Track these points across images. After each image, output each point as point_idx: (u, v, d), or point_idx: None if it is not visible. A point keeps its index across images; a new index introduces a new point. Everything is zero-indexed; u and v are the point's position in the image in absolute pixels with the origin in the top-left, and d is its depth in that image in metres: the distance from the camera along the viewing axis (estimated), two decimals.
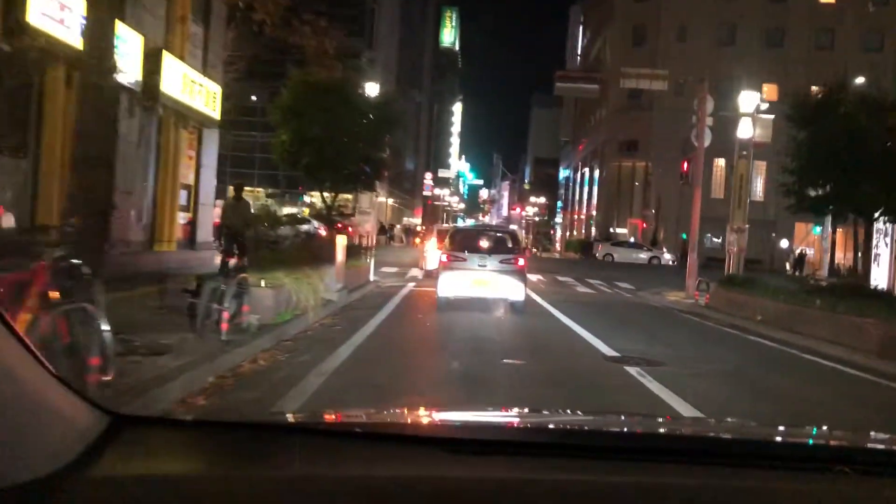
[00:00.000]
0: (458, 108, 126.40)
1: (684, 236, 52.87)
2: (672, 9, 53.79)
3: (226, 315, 7.25)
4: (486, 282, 12.79)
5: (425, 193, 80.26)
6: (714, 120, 20.03)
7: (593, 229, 61.42)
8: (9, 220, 9.67)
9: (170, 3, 15.46)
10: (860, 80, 21.51)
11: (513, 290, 12.80)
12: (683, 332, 12.90)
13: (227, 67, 28.02)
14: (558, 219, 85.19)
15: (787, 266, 41.73)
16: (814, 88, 19.45)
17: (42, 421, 1.13)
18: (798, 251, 40.81)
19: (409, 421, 1.86)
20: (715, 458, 1.44)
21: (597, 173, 64.69)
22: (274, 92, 18.65)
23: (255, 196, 48.49)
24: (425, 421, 1.87)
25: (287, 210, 37.91)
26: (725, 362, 9.66)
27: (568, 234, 75.03)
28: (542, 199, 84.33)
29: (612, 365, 8.38)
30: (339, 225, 16.70)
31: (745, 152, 18.10)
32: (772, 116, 18.08)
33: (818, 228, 51.27)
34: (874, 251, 19.86)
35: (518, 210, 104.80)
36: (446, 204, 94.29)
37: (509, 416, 2.17)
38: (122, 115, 14.08)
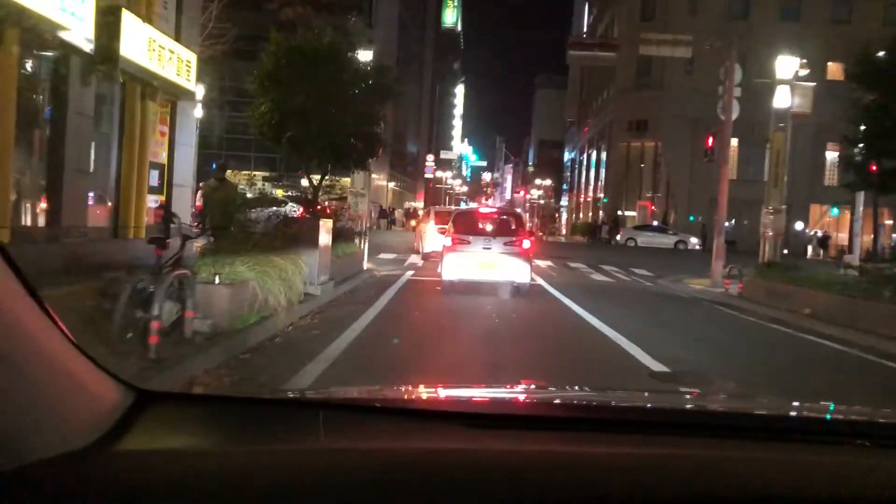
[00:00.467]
0: (460, 90, 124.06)
1: (692, 218, 51.13)
2: None
3: (155, 325, 5.46)
4: (491, 264, 12.63)
5: (427, 176, 78.26)
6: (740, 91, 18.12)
7: (601, 212, 59.48)
8: None
9: None
10: None
11: (518, 272, 12.65)
12: (727, 331, 11.07)
13: (217, 41, 26.19)
14: (563, 201, 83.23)
15: (810, 249, 39.66)
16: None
17: (72, 396, 1.14)
18: (820, 234, 38.66)
19: (426, 397, 1.87)
20: (734, 432, 1.43)
21: (604, 155, 62.69)
22: None
23: (251, 179, 46.67)
24: (442, 396, 1.88)
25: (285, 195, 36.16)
26: (804, 376, 7.77)
27: (574, 216, 73.10)
28: (548, 182, 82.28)
29: (663, 386, 6.55)
30: (320, 207, 14.82)
31: (781, 124, 16.16)
32: (812, 84, 16.13)
33: (836, 210, 49.36)
34: None
35: (522, 193, 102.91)
36: (449, 187, 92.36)
37: (523, 392, 2.13)
38: (73, 82, 12.32)
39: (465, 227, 13.39)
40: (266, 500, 1.11)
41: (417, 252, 23.27)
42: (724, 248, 18.06)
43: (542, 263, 22.01)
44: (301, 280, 9.43)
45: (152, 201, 15.67)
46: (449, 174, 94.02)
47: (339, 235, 13.59)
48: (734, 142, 52.60)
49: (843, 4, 51.41)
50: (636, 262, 24.08)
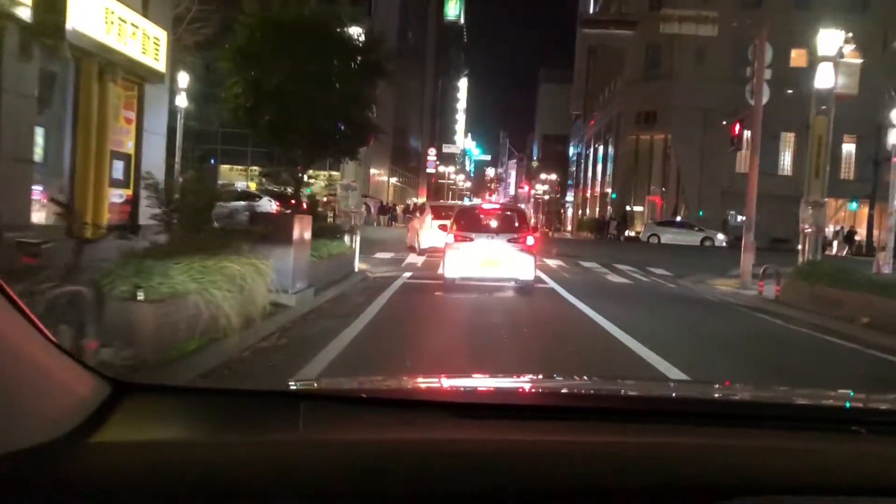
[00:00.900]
0: (463, 85, 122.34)
1: (701, 213, 49.27)
2: None
3: None
4: (494, 262, 12.35)
5: (429, 170, 76.50)
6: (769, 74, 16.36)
7: (609, 207, 57.64)
8: None
9: None
10: None
11: (523, 269, 12.34)
12: (783, 347, 9.28)
13: (203, 24, 24.46)
14: (569, 197, 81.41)
15: (835, 245, 37.69)
16: None
17: (44, 388, 1.12)
18: (846, 229, 36.73)
19: (413, 387, 1.83)
20: (730, 420, 1.43)
21: (611, 148, 60.86)
22: None
23: (248, 174, 45.04)
24: (430, 386, 1.85)
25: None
26: None
27: (580, 212, 71.30)
28: (553, 176, 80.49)
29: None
30: (294, 201, 13.15)
31: (823, 107, 14.36)
32: (858, 61, 14.35)
33: (855, 204, 47.49)
34: None
35: (526, 188, 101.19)
36: (452, 182, 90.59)
37: (514, 382, 2.13)
38: (8, 57, 10.62)
39: (467, 223, 13.03)
40: (244, 492, 1.08)
41: (412, 249, 22.32)
42: (753, 245, 16.36)
43: (553, 263, 20.33)
44: (267, 289, 7.74)
45: (116, 196, 14.00)
46: (452, 169, 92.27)
47: (323, 233, 11.92)
48: (746, 133, 51.35)
49: None
50: (652, 261, 22.34)
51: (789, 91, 26.30)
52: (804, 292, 12.50)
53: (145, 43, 13.33)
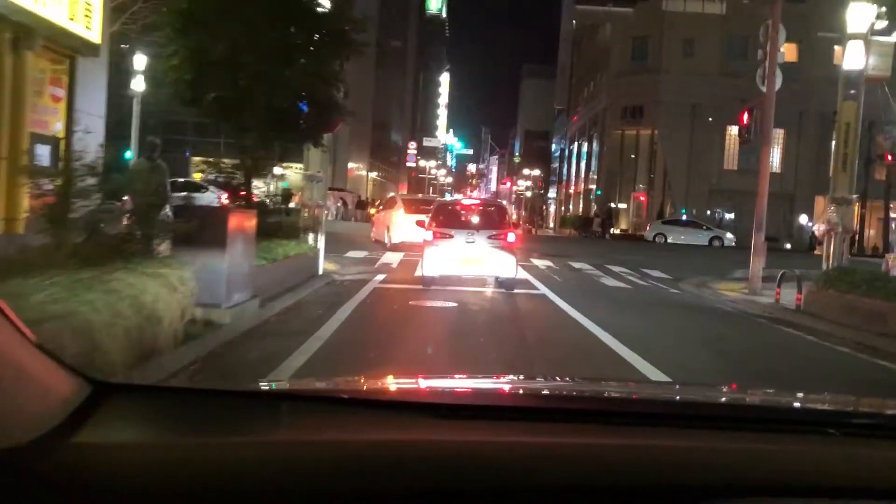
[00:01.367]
0: (445, 79, 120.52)
1: (684, 211, 47.85)
2: None
3: None
4: (474, 259, 12.19)
5: (409, 164, 74.54)
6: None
7: (593, 204, 56.13)
8: None
9: None
10: None
11: (504, 267, 12.18)
12: (832, 376, 7.64)
13: (161, 2, 22.44)
14: (552, 193, 79.89)
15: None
16: None
17: (23, 388, 1.11)
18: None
19: (395, 388, 1.81)
20: (708, 422, 1.43)
21: (596, 144, 59.32)
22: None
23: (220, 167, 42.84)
24: (413, 387, 1.81)
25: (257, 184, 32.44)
26: None
27: (563, 209, 69.79)
28: (537, 172, 78.95)
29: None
30: (243, 192, 11.35)
31: (852, 91, 12.71)
32: (893, 40, 12.70)
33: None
34: None
35: (509, 184, 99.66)
36: (433, 177, 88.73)
37: (493, 382, 2.12)
38: None
39: (447, 219, 12.78)
40: (223, 493, 1.08)
41: (378, 242, 21.78)
42: (764, 246, 14.76)
43: (540, 264, 18.66)
44: (187, 305, 5.96)
45: (42, 185, 12.11)
46: (433, 164, 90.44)
47: (278, 231, 10.14)
48: (733, 130, 49.94)
49: None
50: (646, 262, 20.72)
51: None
52: (834, 302, 10.88)
53: (73, 7, 11.39)
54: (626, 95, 51.69)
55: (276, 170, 40.67)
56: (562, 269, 17.92)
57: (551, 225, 68.63)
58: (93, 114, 13.28)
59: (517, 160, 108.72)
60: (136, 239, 5.99)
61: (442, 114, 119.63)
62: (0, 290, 4.03)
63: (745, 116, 15.47)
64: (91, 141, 13.08)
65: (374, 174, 67.29)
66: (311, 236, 12.89)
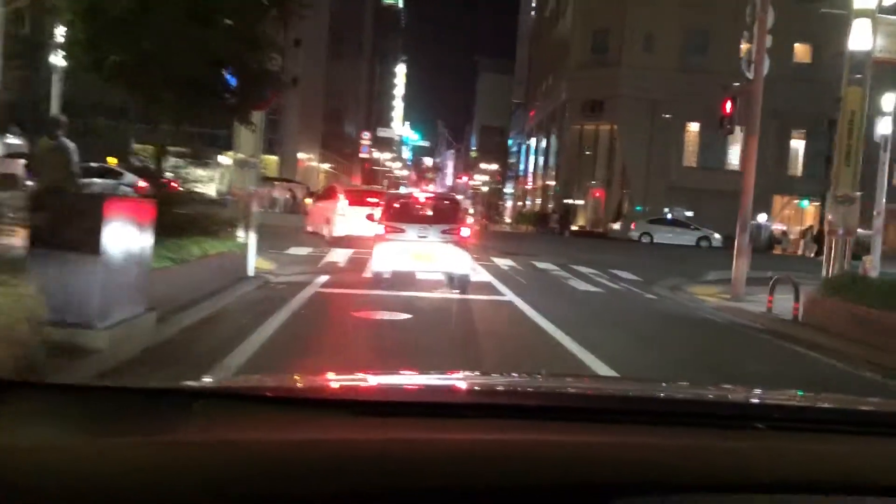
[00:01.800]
0: (401, 71, 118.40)
1: (639, 208, 46.93)
2: None
3: None
4: (427, 255, 11.77)
5: (362, 155, 72.35)
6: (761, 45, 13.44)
7: (551, 200, 54.95)
8: None
9: None
10: None
11: (457, 263, 11.70)
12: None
13: None
14: (509, 188, 78.73)
15: (802, 246, 35.45)
16: None
17: None
18: (815, 228, 34.51)
19: (313, 385, 1.68)
20: (633, 416, 1.37)
21: (554, 139, 58.14)
22: None
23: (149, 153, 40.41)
24: (332, 385, 1.72)
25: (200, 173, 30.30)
26: None
27: (520, 204, 68.60)
28: (495, 167, 77.64)
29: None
30: (166, 180, 9.63)
31: (858, 75, 11.35)
32: None
33: (807, 202, 45.86)
34: None
35: (465, 179, 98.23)
36: (388, 169, 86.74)
37: (425, 378, 1.97)
38: None
39: (398, 214, 12.29)
40: (136, 494, 1.02)
41: (315, 234, 21.00)
42: (748, 249, 13.47)
43: (503, 263, 17.15)
44: (34, 326, 4.22)
45: None
46: (388, 156, 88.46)
47: (192, 224, 8.38)
48: (694, 126, 49.23)
49: None
50: (613, 262, 19.35)
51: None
52: (840, 314, 9.54)
53: None
54: (586, 89, 50.51)
55: (222, 158, 38.45)
56: (526, 270, 16.42)
57: (507, 220, 67.41)
58: None
59: (473, 155, 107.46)
60: None
61: (398, 105, 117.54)
62: None
63: (728, 105, 14.10)
64: None
65: (326, 165, 65.10)
66: (242, 232, 11.13)
